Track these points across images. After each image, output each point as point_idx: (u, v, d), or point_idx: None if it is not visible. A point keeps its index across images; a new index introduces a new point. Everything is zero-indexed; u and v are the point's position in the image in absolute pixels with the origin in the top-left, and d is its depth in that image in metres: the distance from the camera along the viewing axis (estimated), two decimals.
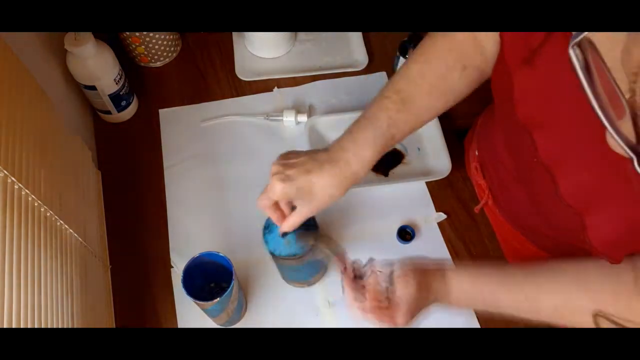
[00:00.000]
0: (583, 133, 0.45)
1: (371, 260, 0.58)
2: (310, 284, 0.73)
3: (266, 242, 0.62)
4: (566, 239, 0.58)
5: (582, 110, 0.35)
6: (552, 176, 0.50)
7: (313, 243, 0.61)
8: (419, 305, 0.55)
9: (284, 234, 0.59)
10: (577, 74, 0.32)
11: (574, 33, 0.31)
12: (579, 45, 0.31)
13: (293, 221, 0.57)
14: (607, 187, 0.46)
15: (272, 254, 0.62)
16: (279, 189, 0.54)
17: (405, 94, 0.57)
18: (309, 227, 0.61)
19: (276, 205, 0.58)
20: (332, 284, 0.73)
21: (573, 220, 0.50)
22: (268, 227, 0.62)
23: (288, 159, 0.56)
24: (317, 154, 0.56)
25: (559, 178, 0.50)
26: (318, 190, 0.54)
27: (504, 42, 0.53)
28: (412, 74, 0.58)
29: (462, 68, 0.58)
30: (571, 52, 0.31)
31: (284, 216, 0.58)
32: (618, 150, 0.33)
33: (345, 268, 0.57)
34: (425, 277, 0.56)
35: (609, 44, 0.32)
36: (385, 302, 0.54)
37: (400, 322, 0.53)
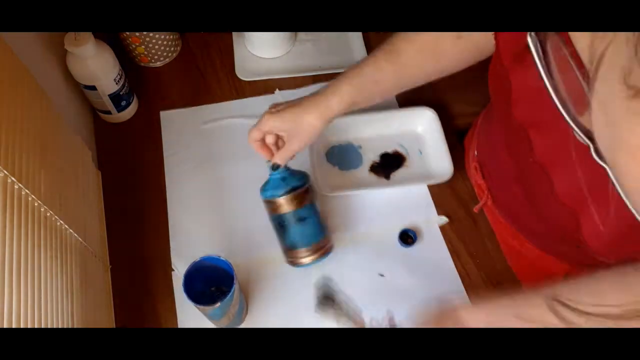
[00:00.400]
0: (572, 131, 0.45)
1: (389, 313, 0.62)
2: (315, 250, 0.69)
3: (264, 191, 0.68)
4: (564, 238, 0.58)
5: (573, 74, 0.35)
6: (548, 175, 0.50)
7: (332, 311, 0.65)
8: None
9: (276, 168, 0.66)
10: (535, 64, 0.32)
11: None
12: (538, 34, 0.31)
13: (284, 153, 0.65)
14: (598, 186, 0.46)
15: (270, 200, 0.67)
16: (270, 121, 0.62)
17: (396, 47, 0.62)
18: (328, 298, 0.66)
19: (264, 142, 0.65)
20: None
21: (569, 220, 0.50)
22: (266, 182, 0.69)
23: (278, 104, 0.65)
24: (302, 98, 0.64)
25: (554, 177, 0.50)
26: (303, 122, 0.62)
27: (498, 43, 0.53)
28: (407, 34, 0.62)
29: (456, 36, 0.60)
30: (529, 39, 0.31)
31: (271, 152, 0.66)
32: (582, 141, 0.33)
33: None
34: (437, 323, 0.57)
35: (579, 35, 0.31)
36: None
37: None
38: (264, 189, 0.69)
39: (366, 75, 0.62)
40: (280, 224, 0.69)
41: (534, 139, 0.50)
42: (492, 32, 0.56)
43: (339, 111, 0.63)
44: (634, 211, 0.30)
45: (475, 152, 0.77)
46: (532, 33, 0.31)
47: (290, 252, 0.70)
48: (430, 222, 0.78)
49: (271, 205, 0.68)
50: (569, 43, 0.32)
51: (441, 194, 0.81)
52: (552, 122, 0.47)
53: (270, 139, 0.65)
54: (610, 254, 0.48)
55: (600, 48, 0.25)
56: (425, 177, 0.82)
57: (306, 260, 0.69)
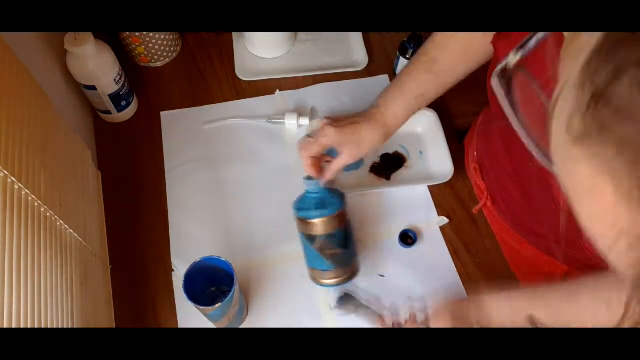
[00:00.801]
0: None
1: (409, 300, 0.64)
2: (341, 275, 0.67)
3: (299, 209, 0.67)
4: (564, 241, 0.58)
5: (545, 111, 0.35)
6: (547, 180, 0.50)
7: (354, 309, 0.67)
8: None
9: (320, 183, 0.65)
10: (500, 103, 0.32)
11: (498, 64, 0.32)
12: (503, 73, 0.32)
13: (338, 164, 0.65)
14: None
15: (304, 220, 0.66)
16: (332, 134, 0.63)
17: (432, 58, 0.63)
18: (349, 296, 0.68)
19: (315, 160, 0.65)
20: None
21: (570, 225, 0.50)
22: (300, 197, 0.68)
23: (334, 117, 0.66)
24: (358, 113, 0.66)
25: (553, 182, 0.50)
26: (364, 137, 0.64)
27: (498, 49, 0.53)
28: (437, 40, 0.64)
29: (483, 33, 0.60)
30: (493, 82, 0.32)
31: (319, 168, 0.65)
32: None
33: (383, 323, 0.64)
34: (460, 310, 0.58)
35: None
36: None
37: None
38: (299, 206, 0.67)
39: (412, 92, 0.65)
40: (310, 243, 0.67)
41: (529, 120, 0.50)
42: (491, 39, 0.56)
43: (396, 129, 0.67)
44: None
45: (475, 153, 0.77)
46: (497, 72, 0.32)
47: (315, 271, 0.69)
48: (431, 222, 0.78)
49: (304, 225, 0.67)
50: (538, 76, 0.32)
51: (441, 195, 0.81)
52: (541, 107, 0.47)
53: (322, 158, 0.66)
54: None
55: (557, 89, 0.26)
56: (426, 177, 0.82)
57: (330, 282, 0.68)
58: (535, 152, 0.32)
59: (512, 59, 0.31)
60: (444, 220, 0.78)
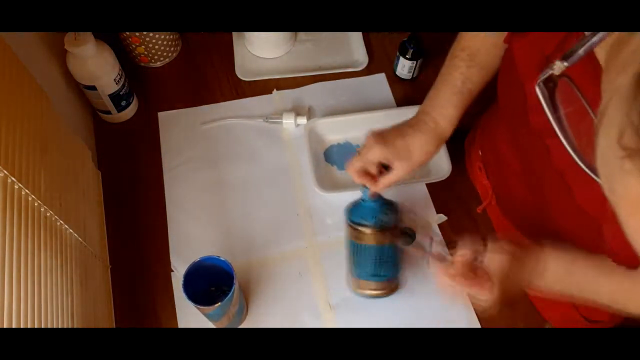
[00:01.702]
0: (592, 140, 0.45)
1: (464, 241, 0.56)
2: (384, 287, 0.67)
3: (352, 215, 0.65)
4: (578, 243, 0.58)
5: (589, 119, 0.35)
6: (567, 183, 0.49)
7: (396, 216, 0.65)
8: (512, 280, 0.52)
9: (375, 196, 0.63)
10: (545, 109, 0.32)
11: (542, 72, 0.32)
12: (546, 81, 0.32)
13: (389, 179, 0.61)
14: None
15: (356, 228, 0.64)
16: (377, 150, 0.59)
17: (472, 49, 0.60)
18: (390, 209, 0.65)
19: (365, 171, 0.61)
20: (333, 286, 0.73)
21: (589, 227, 0.50)
22: (354, 204, 0.66)
23: (378, 130, 0.62)
24: (405, 123, 0.62)
25: (574, 185, 0.49)
26: (415, 148, 0.60)
27: (515, 52, 0.53)
28: (471, 33, 0.61)
29: None
30: (537, 90, 0.32)
31: (372, 179, 0.61)
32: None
33: (431, 238, 0.62)
34: (520, 251, 0.53)
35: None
36: (472, 273, 0.51)
37: (489, 292, 0.51)
38: (352, 211, 0.66)
39: (461, 91, 0.61)
40: (357, 252, 0.66)
41: (552, 148, 0.50)
42: (504, 38, 0.56)
43: (450, 134, 0.62)
44: None
45: (479, 152, 0.77)
46: (542, 80, 0.32)
47: (358, 280, 0.67)
48: (429, 220, 0.78)
49: (355, 233, 0.65)
50: (582, 85, 0.32)
51: (440, 193, 0.81)
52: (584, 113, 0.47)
53: (373, 168, 0.62)
54: (636, 261, 0.48)
55: (605, 100, 0.25)
56: (424, 175, 0.82)
57: (372, 293, 0.67)
58: (577, 158, 0.32)
59: (559, 67, 0.31)
60: (443, 217, 0.78)
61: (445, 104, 0.61)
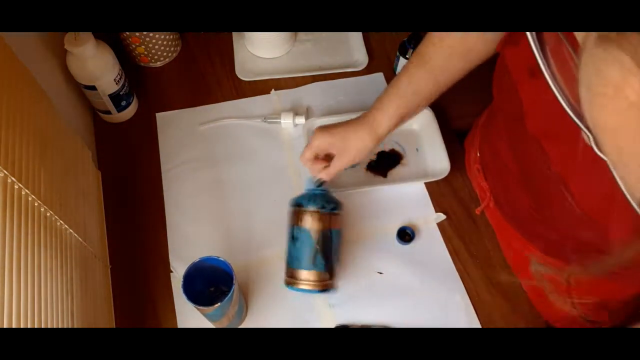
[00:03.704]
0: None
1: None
2: (316, 280, 0.66)
3: (295, 198, 0.69)
4: (577, 245, 0.58)
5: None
6: (566, 186, 0.49)
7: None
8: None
9: (319, 184, 0.68)
10: (534, 54, 0.33)
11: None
12: (539, 36, 0.33)
13: (331, 169, 0.67)
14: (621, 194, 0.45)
15: (297, 209, 0.67)
16: (319, 136, 0.66)
17: (425, 55, 0.64)
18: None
19: (316, 158, 0.68)
20: None
21: (589, 230, 0.50)
22: (300, 195, 0.69)
23: (332, 124, 0.68)
24: (354, 118, 0.67)
25: (573, 188, 0.49)
26: (352, 142, 0.65)
27: (506, 56, 0.53)
28: (433, 39, 0.63)
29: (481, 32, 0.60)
30: (529, 36, 0.32)
31: (321, 168, 0.68)
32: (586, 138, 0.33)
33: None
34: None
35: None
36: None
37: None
38: (297, 197, 0.68)
39: (403, 88, 0.65)
40: (297, 238, 0.66)
41: (550, 151, 0.50)
42: (496, 46, 0.56)
43: (387, 127, 0.65)
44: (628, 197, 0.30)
45: (478, 154, 0.77)
46: (535, 39, 0.32)
47: (293, 271, 0.67)
48: (428, 219, 0.78)
49: (296, 215, 0.67)
50: (570, 37, 0.32)
51: (439, 192, 0.81)
52: (572, 134, 0.47)
53: (321, 155, 0.68)
54: None
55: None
56: (422, 174, 0.82)
57: (305, 284, 0.66)
58: (568, 108, 0.33)
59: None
60: (442, 216, 0.78)
61: (386, 101, 0.65)
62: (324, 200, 0.67)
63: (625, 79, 0.23)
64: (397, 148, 0.84)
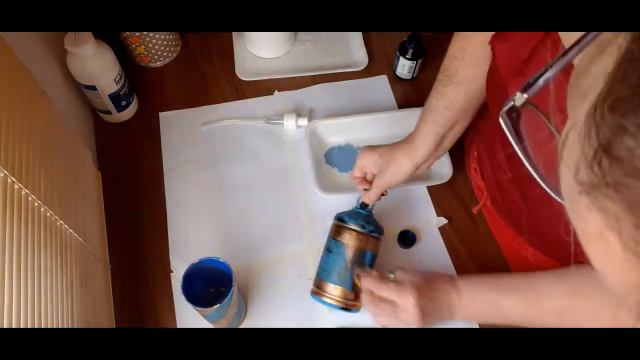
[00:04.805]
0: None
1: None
2: (344, 297, 0.66)
3: (341, 213, 0.69)
4: (567, 246, 0.58)
5: (555, 144, 0.35)
6: (556, 186, 0.49)
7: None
8: (427, 308, 0.61)
9: (364, 207, 0.69)
10: (510, 139, 0.32)
11: (504, 103, 0.31)
12: (509, 111, 0.31)
13: (372, 190, 0.68)
14: None
15: (340, 224, 0.68)
16: (365, 154, 0.68)
17: (451, 70, 0.64)
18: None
19: (364, 179, 0.70)
20: None
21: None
22: (348, 211, 0.70)
23: (376, 145, 0.70)
24: (397, 142, 0.68)
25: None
26: (391, 164, 0.66)
27: (496, 54, 0.53)
28: (453, 52, 0.64)
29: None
30: (501, 120, 0.31)
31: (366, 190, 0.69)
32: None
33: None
34: (430, 289, 0.62)
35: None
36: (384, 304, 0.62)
37: (387, 318, 0.62)
38: (342, 213, 0.69)
39: (435, 107, 0.65)
40: (332, 251, 0.67)
41: (537, 152, 0.50)
42: (490, 42, 0.56)
43: (424, 149, 0.65)
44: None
45: (475, 153, 0.77)
46: (504, 112, 0.31)
47: (319, 281, 0.67)
48: (430, 223, 0.78)
49: (335, 229, 0.68)
50: (549, 112, 0.31)
51: (441, 195, 0.81)
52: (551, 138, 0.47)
53: (370, 177, 0.70)
54: None
55: (566, 128, 0.25)
56: (425, 178, 0.82)
57: (331, 299, 0.65)
58: (544, 186, 0.31)
59: (520, 98, 0.31)
60: (443, 220, 0.78)
61: (421, 123, 0.66)
62: (365, 221, 0.67)
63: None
64: None
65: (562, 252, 0.64)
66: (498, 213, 0.74)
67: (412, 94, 0.91)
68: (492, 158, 0.69)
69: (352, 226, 0.66)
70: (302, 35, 0.98)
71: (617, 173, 0.20)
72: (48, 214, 0.55)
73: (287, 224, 0.78)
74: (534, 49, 0.47)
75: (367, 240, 0.67)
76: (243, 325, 0.71)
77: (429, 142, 0.65)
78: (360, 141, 0.85)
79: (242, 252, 0.75)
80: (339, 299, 0.66)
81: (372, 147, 0.68)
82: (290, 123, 0.85)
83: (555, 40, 0.45)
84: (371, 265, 0.68)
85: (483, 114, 0.76)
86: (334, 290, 0.66)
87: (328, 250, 0.68)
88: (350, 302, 0.66)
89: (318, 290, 0.67)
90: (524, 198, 0.61)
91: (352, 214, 0.68)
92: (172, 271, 0.74)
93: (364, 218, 0.68)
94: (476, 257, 0.76)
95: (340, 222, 0.68)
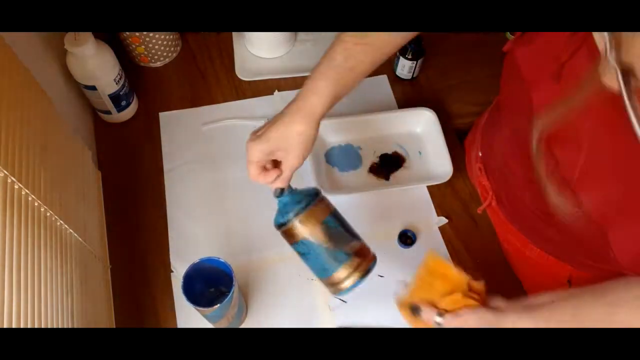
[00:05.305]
0: (614, 147, 0.45)
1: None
2: (355, 266, 0.58)
3: (275, 221, 0.60)
4: (581, 248, 0.57)
5: (613, 124, 0.34)
6: (574, 191, 0.49)
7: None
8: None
9: (280, 193, 0.59)
10: (621, 91, 0.32)
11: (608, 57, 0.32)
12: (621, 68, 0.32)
13: (283, 175, 0.58)
14: (635, 201, 0.45)
15: (283, 228, 0.58)
16: (254, 148, 0.56)
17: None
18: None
19: (264, 168, 0.58)
20: None
21: (594, 235, 0.49)
22: (276, 213, 0.60)
23: (256, 129, 0.59)
24: (280, 112, 0.58)
25: (582, 193, 0.48)
26: (289, 135, 0.56)
27: (518, 56, 0.53)
28: None
29: None
30: (619, 77, 0.32)
31: (275, 176, 0.58)
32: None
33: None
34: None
35: None
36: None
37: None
38: (274, 220, 0.60)
39: (339, 65, 0.57)
40: (301, 253, 0.59)
41: (561, 155, 0.49)
42: (505, 49, 0.56)
43: (322, 109, 0.57)
44: None
45: (480, 153, 0.77)
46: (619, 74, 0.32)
47: (325, 280, 0.59)
48: (430, 222, 0.78)
49: (285, 234, 0.59)
50: None
51: (441, 195, 0.81)
52: (592, 137, 0.46)
53: (269, 165, 0.59)
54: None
55: None
56: (425, 177, 0.82)
57: (345, 284, 0.58)
58: None
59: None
60: (443, 220, 0.78)
61: (318, 78, 0.57)
62: (295, 203, 0.58)
63: None
64: (400, 151, 0.84)
65: (566, 252, 0.63)
66: (503, 213, 0.73)
67: (412, 94, 0.91)
68: (499, 158, 0.68)
69: (292, 219, 0.57)
70: (302, 35, 0.98)
71: None
72: (48, 214, 0.55)
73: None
74: (572, 53, 0.46)
75: (313, 215, 0.58)
76: (243, 325, 0.71)
77: (328, 102, 0.57)
78: (360, 141, 0.85)
79: (243, 252, 0.75)
80: (353, 274, 0.58)
81: (258, 136, 0.57)
82: None
83: (592, 49, 0.44)
84: (342, 221, 0.60)
85: (489, 115, 0.76)
86: (341, 275, 0.58)
87: (301, 255, 0.60)
88: (362, 265, 0.59)
89: (333, 287, 0.60)
90: (534, 197, 0.61)
91: (281, 210, 0.59)
92: (172, 271, 0.74)
93: (292, 202, 0.58)
94: (476, 257, 0.76)
95: (282, 227, 0.59)
